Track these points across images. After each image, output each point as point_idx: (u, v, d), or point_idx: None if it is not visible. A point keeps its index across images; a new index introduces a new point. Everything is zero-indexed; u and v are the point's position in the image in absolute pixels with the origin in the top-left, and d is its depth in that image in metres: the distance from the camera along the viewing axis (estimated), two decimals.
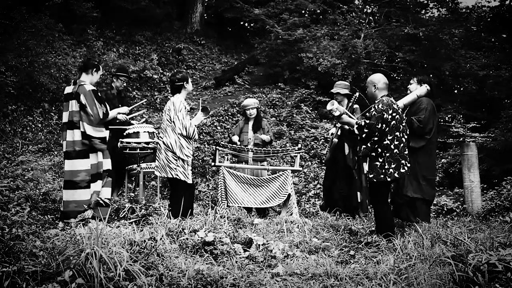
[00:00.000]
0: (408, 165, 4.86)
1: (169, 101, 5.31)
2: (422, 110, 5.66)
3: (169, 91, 5.73)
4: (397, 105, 4.87)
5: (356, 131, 4.77)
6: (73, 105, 5.08)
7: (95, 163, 5.10)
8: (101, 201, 5.00)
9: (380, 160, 4.71)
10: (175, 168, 5.17)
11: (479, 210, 6.55)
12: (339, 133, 6.35)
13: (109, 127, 5.48)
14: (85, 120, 5.04)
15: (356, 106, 6.28)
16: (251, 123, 6.99)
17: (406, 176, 5.01)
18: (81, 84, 5.12)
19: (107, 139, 5.21)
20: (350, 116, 4.99)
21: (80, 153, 5.05)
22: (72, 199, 4.99)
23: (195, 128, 5.24)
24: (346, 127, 5.52)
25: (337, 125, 6.28)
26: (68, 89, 5.20)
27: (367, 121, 4.69)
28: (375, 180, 4.75)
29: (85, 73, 5.23)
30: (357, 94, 5.91)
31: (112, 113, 5.33)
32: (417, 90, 5.84)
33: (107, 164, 5.20)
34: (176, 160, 5.18)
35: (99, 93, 5.17)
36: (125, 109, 5.90)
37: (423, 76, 6.19)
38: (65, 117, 5.15)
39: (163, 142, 5.25)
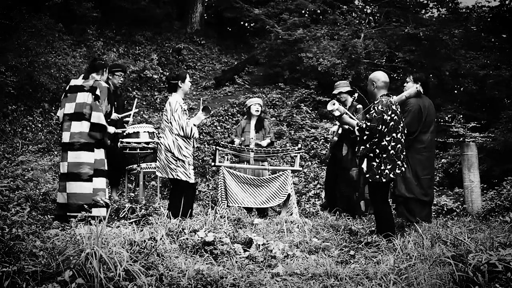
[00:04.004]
0: (405, 166, 4.87)
1: (167, 102, 5.33)
2: (406, 112, 5.61)
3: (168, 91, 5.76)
4: (396, 106, 4.86)
5: (357, 133, 4.77)
6: (86, 97, 5.18)
7: (99, 158, 5.17)
8: (101, 201, 5.04)
9: (377, 160, 4.72)
10: (175, 169, 5.17)
11: (479, 210, 6.54)
12: (339, 132, 6.35)
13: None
14: (100, 111, 5.17)
15: (359, 106, 6.29)
16: (253, 122, 6.98)
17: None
18: (98, 80, 5.32)
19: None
20: (350, 117, 4.99)
21: (85, 146, 5.11)
22: (74, 191, 5.03)
23: (193, 127, 5.21)
24: (347, 127, 5.51)
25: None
26: (76, 82, 5.32)
27: (368, 124, 4.69)
28: (370, 180, 4.77)
29: (96, 73, 5.37)
30: (356, 94, 5.94)
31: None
32: (406, 91, 5.81)
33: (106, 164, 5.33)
34: (176, 161, 5.17)
35: (110, 92, 5.40)
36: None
37: (419, 74, 6.08)
38: (70, 108, 5.19)
39: (162, 143, 5.25)
